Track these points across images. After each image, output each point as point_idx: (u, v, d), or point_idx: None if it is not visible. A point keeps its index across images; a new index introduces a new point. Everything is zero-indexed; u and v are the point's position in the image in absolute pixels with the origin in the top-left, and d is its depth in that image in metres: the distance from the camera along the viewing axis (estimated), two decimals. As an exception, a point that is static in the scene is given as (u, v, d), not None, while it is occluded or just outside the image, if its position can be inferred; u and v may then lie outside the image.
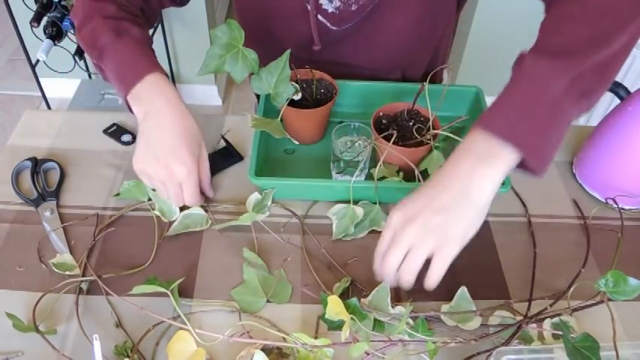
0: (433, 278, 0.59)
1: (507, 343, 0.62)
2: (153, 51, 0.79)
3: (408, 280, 0.61)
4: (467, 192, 0.59)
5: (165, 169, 0.72)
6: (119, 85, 0.75)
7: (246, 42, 0.76)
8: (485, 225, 0.79)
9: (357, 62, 0.94)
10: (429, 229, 0.59)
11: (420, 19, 0.88)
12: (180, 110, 0.74)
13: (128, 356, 0.62)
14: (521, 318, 0.65)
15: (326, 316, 0.62)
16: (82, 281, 0.69)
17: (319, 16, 0.86)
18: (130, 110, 0.76)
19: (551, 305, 0.67)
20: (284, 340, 0.63)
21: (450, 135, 0.75)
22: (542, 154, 0.59)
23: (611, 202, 0.80)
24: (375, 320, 0.65)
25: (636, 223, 0.80)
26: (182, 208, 0.78)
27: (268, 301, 0.69)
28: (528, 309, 0.68)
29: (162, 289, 0.63)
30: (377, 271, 0.64)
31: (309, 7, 0.84)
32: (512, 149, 0.58)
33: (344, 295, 0.69)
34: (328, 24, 0.87)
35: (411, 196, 0.62)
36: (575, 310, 0.65)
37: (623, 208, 0.80)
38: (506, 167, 0.59)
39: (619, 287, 0.61)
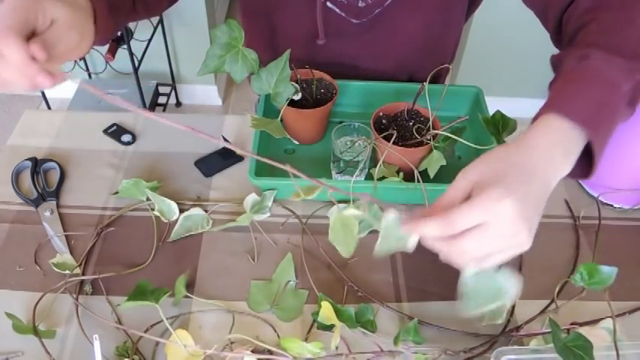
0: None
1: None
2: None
3: (472, 257, 0.49)
4: (547, 189, 0.52)
5: None
6: None
7: (249, 36, 0.75)
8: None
9: (362, 63, 0.93)
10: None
11: (431, 26, 0.87)
12: None
13: (128, 356, 0.62)
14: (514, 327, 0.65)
15: (318, 319, 0.62)
16: (82, 281, 0.69)
17: (328, 3, 0.84)
18: None
19: (539, 313, 0.67)
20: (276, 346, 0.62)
21: (450, 135, 0.75)
22: (603, 152, 0.55)
23: (605, 200, 0.80)
24: (367, 321, 0.65)
25: (636, 223, 0.80)
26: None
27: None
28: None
29: (159, 292, 0.64)
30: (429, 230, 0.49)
31: None
32: (584, 141, 0.53)
33: (338, 296, 0.69)
34: (337, 10, 0.84)
35: (494, 163, 0.51)
36: (578, 325, 0.65)
37: (622, 208, 0.81)
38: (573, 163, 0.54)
39: (594, 278, 0.62)
